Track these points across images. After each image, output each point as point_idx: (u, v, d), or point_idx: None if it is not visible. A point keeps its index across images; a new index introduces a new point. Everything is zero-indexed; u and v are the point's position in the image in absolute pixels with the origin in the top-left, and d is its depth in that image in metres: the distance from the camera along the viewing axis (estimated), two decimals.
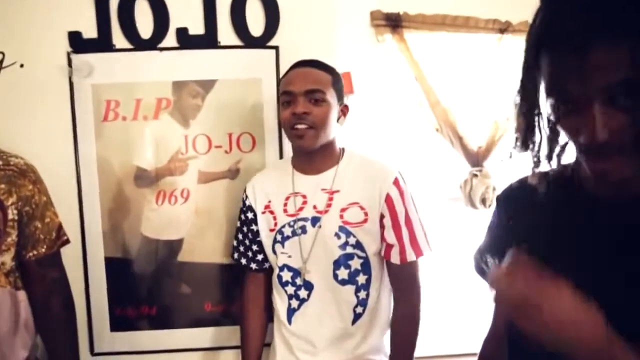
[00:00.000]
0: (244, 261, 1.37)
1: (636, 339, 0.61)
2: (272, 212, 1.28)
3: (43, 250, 1.21)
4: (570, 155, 0.74)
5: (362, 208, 1.21)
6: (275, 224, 1.27)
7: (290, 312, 1.26)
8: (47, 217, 1.21)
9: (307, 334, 1.26)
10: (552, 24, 0.59)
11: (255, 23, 1.50)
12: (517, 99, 0.70)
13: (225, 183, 1.52)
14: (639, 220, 0.65)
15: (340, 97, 1.26)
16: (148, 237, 1.52)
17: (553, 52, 0.59)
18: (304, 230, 1.23)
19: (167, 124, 1.49)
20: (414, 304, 1.25)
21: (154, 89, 1.48)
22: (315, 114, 1.19)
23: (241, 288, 1.41)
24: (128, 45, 1.48)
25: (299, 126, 1.19)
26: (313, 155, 1.24)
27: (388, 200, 1.21)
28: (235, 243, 1.39)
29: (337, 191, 1.23)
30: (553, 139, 0.70)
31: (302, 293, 1.25)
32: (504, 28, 1.87)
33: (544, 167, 0.74)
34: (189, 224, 1.52)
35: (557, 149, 0.71)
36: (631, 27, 0.54)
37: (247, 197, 1.34)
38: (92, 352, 1.53)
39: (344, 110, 1.29)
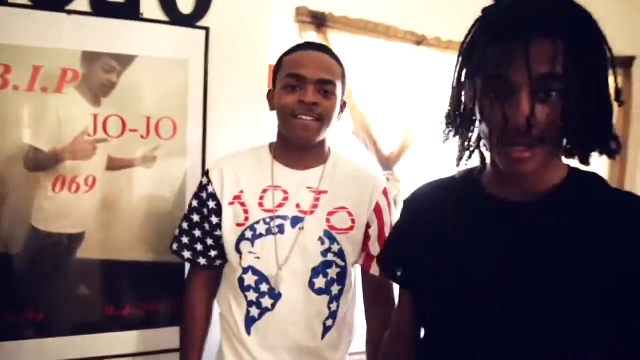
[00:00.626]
0: (188, 255, 1.19)
1: (537, 338, 0.67)
2: (242, 204, 1.14)
3: None
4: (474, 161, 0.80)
5: (350, 214, 1.14)
6: (246, 219, 1.13)
7: (249, 321, 1.12)
8: None
9: (268, 348, 1.13)
10: (499, 19, 0.66)
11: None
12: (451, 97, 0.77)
13: (140, 171, 1.35)
14: (541, 221, 0.71)
15: (343, 93, 1.18)
16: (39, 230, 1.28)
17: (499, 43, 0.65)
18: (281, 230, 1.11)
19: (73, 100, 1.28)
20: (390, 320, 1.15)
21: (59, 57, 1.26)
22: (324, 106, 1.08)
23: (184, 287, 1.25)
24: (27, 2, 1.24)
25: (305, 117, 1.07)
26: (303, 149, 1.14)
27: (377, 209, 1.16)
28: (178, 233, 1.21)
29: (325, 192, 1.14)
30: (468, 138, 0.77)
31: (266, 301, 1.11)
32: (420, 40, 2.00)
33: (462, 165, 0.80)
34: (92, 215, 1.32)
35: (467, 154, 0.77)
36: (566, 27, 0.63)
37: (210, 182, 1.17)
38: None
39: (342, 107, 1.19)
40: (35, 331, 1.30)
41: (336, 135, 1.75)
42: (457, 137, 0.77)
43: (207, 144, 1.41)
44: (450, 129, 0.78)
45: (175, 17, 1.36)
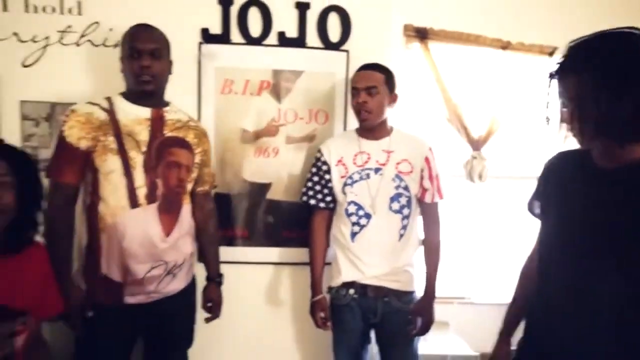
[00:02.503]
0: (312, 202, 1.89)
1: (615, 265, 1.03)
2: (344, 165, 1.83)
3: (206, 188, 1.79)
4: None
5: (409, 163, 1.81)
6: (346, 172, 1.82)
7: (353, 235, 1.81)
8: (209, 167, 1.79)
9: (366, 250, 1.80)
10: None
11: (333, 32, 2.11)
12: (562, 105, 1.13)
13: (304, 145, 2.13)
14: (628, 184, 1.04)
15: (391, 90, 1.82)
16: (246, 180, 2.11)
17: None
18: (368, 176, 1.80)
19: (266, 100, 2.09)
20: (438, 230, 1.90)
21: (259, 73, 2.07)
22: (371, 103, 1.76)
23: (309, 221, 1.94)
24: (242, 41, 2.06)
25: (364, 112, 1.79)
26: (373, 128, 1.82)
27: (426, 159, 1.83)
28: (304, 189, 1.91)
29: (393, 151, 1.82)
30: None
31: (363, 221, 1.79)
32: (505, 46, 2.40)
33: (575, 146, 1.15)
34: (276, 172, 2.12)
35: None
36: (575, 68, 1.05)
37: (322, 154, 1.87)
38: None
39: (394, 98, 1.84)
40: (243, 242, 2.14)
41: (432, 121, 2.35)
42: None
43: (346, 126, 2.14)
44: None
45: (327, 44, 2.11)
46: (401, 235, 1.82)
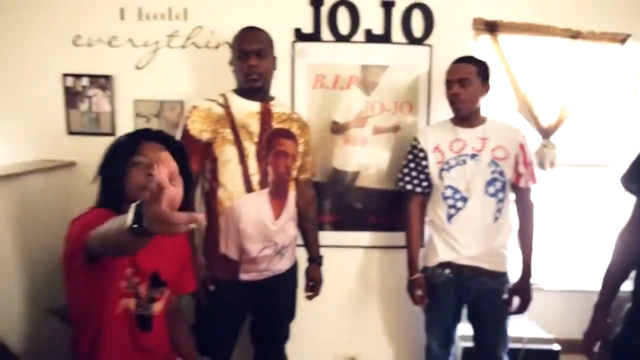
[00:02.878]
0: (409, 187, 2.00)
1: None
2: (440, 151, 1.95)
3: (307, 175, 1.95)
4: None
5: (504, 149, 1.90)
6: (443, 158, 1.94)
7: (449, 217, 1.92)
8: (310, 156, 1.95)
9: (462, 232, 1.90)
10: None
11: (417, 27, 2.23)
12: None
13: (390, 135, 2.27)
14: None
15: (484, 80, 1.91)
16: (336, 168, 2.27)
17: None
18: (464, 162, 1.90)
19: (355, 93, 2.24)
20: (532, 213, 1.98)
21: (348, 69, 2.22)
22: (464, 94, 1.87)
23: (405, 206, 2.05)
24: (332, 39, 2.22)
25: (455, 101, 1.91)
26: (468, 117, 1.94)
27: (521, 146, 1.93)
28: (400, 175, 2.04)
29: (488, 138, 1.91)
30: None
31: (459, 204, 1.89)
32: (575, 35, 2.43)
33: None
34: (364, 161, 2.27)
35: None
36: None
37: (419, 142, 1.98)
38: None
39: (487, 88, 1.94)
40: (333, 226, 2.30)
41: (504, 112, 2.41)
42: None
43: (430, 118, 2.27)
44: None
45: (411, 40, 2.23)
46: (496, 218, 1.90)
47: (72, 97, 2.27)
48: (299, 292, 2.01)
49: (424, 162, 1.98)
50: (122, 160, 1.39)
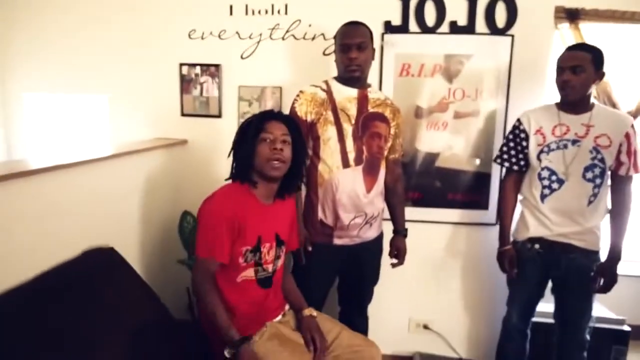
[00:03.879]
0: (507, 164, 2.10)
1: None
2: (542, 134, 2.01)
3: (396, 156, 2.17)
4: None
5: (608, 137, 1.93)
6: (544, 141, 2.00)
7: (543, 196, 2.01)
8: (401, 138, 2.16)
9: (554, 211, 1.99)
10: None
11: (500, 18, 2.38)
12: None
13: (470, 119, 2.44)
14: None
15: (598, 68, 1.89)
16: (419, 150, 2.48)
17: None
18: (565, 146, 1.96)
19: (438, 81, 2.43)
20: (630, 201, 1.99)
21: (433, 58, 2.41)
22: (574, 81, 1.89)
23: (502, 182, 2.21)
24: (418, 30, 2.41)
25: (565, 87, 1.92)
26: (574, 103, 1.94)
27: (627, 135, 1.93)
28: (499, 153, 2.13)
29: (593, 125, 1.94)
30: None
31: (554, 185, 1.98)
32: None
33: None
34: (445, 143, 2.46)
35: None
36: None
37: (521, 123, 2.05)
38: None
39: (600, 76, 1.92)
40: (414, 202, 2.52)
41: None
42: None
43: (509, 103, 2.41)
44: None
45: (493, 30, 2.38)
46: (590, 202, 1.96)
47: (186, 83, 2.62)
48: (383, 260, 2.24)
49: (524, 143, 2.06)
50: (250, 137, 1.67)
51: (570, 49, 1.97)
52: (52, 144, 2.90)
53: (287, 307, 1.86)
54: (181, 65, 2.60)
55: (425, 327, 2.66)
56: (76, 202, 1.78)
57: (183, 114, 2.66)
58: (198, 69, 2.59)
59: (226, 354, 1.51)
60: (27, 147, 2.89)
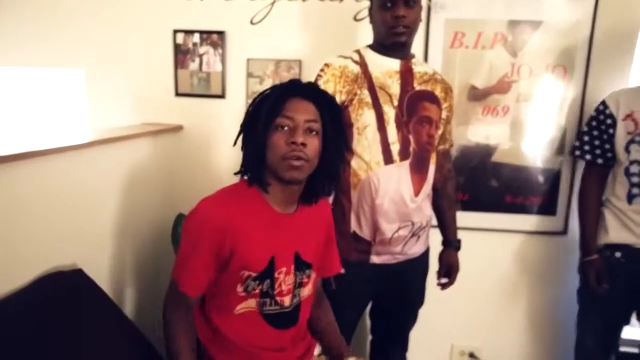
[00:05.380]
0: (588, 157, 1.76)
1: None
2: (633, 120, 1.66)
3: (446, 146, 1.70)
4: None
5: None
6: (635, 129, 1.65)
7: (631, 196, 1.68)
8: (451, 124, 1.69)
9: None
10: None
11: None
12: None
13: (538, 103, 1.96)
14: None
15: None
16: (471, 140, 2.00)
17: None
18: None
19: (499, 54, 1.93)
20: None
21: (493, 25, 1.92)
22: None
23: (582, 179, 1.82)
24: None
25: None
26: None
27: None
28: (578, 143, 1.80)
29: None
30: None
31: None
32: None
33: None
34: (505, 133, 1.98)
35: None
36: None
37: (607, 107, 1.71)
38: None
39: None
40: (462, 206, 2.04)
41: None
42: None
43: (587, 85, 1.93)
44: None
45: None
46: None
47: (182, 55, 2.13)
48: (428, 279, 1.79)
49: (610, 131, 1.71)
50: (263, 122, 1.17)
51: None
52: (14, 128, 2.39)
53: (316, 351, 1.40)
54: (175, 32, 2.11)
55: (472, 355, 2.23)
56: (40, 203, 1.33)
57: (177, 94, 2.17)
58: (197, 37, 2.10)
59: None
60: None
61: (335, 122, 1.23)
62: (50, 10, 2.18)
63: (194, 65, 2.13)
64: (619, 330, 1.79)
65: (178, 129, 2.19)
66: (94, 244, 1.62)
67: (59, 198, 1.42)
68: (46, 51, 2.22)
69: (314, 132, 1.17)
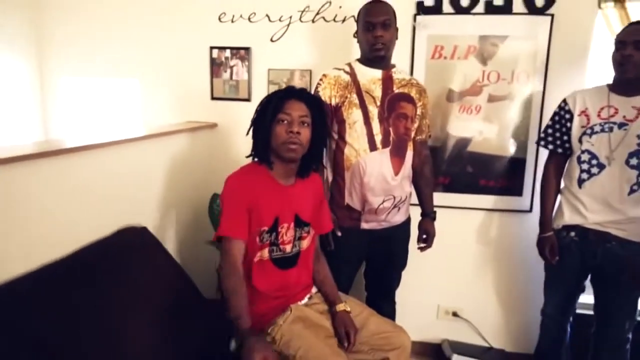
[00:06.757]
0: (550, 147, 2.02)
1: None
2: (587, 116, 1.92)
3: (423, 137, 2.12)
4: None
5: None
6: (588, 123, 1.91)
7: (580, 181, 1.92)
8: (427, 118, 2.11)
9: (591, 198, 1.90)
10: None
11: None
12: None
13: (505, 103, 2.36)
14: None
15: None
16: (450, 134, 2.43)
17: None
18: (611, 129, 1.86)
19: (472, 63, 2.35)
20: None
21: (466, 39, 2.34)
22: (638, 56, 1.78)
23: (545, 165, 2.09)
24: (452, 11, 2.34)
25: (626, 63, 1.80)
26: (629, 83, 1.85)
27: None
28: (542, 135, 2.06)
29: None
30: None
31: (594, 170, 1.88)
32: None
33: None
34: (478, 128, 2.39)
35: None
36: None
37: (566, 103, 1.97)
38: None
39: None
40: (444, 189, 2.47)
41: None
42: None
43: (546, 86, 2.32)
44: None
45: (532, 9, 2.28)
46: (633, 191, 1.85)
47: (216, 67, 2.63)
48: (411, 247, 2.20)
49: (568, 124, 1.98)
50: (268, 117, 1.64)
51: (636, 23, 1.86)
52: (87, 125, 2.97)
53: (314, 290, 1.85)
54: (211, 48, 2.61)
55: (455, 314, 2.62)
56: (109, 181, 1.82)
57: (213, 98, 2.67)
58: (228, 52, 2.60)
59: (231, 347, 1.49)
60: (63, 128, 2.98)
61: (321, 117, 1.71)
62: (116, 32, 2.74)
63: (226, 75, 2.63)
64: (576, 297, 2.09)
65: (213, 126, 2.69)
66: (152, 212, 2.14)
67: (126, 177, 1.93)
68: (110, 64, 2.78)
69: (305, 124, 1.65)
